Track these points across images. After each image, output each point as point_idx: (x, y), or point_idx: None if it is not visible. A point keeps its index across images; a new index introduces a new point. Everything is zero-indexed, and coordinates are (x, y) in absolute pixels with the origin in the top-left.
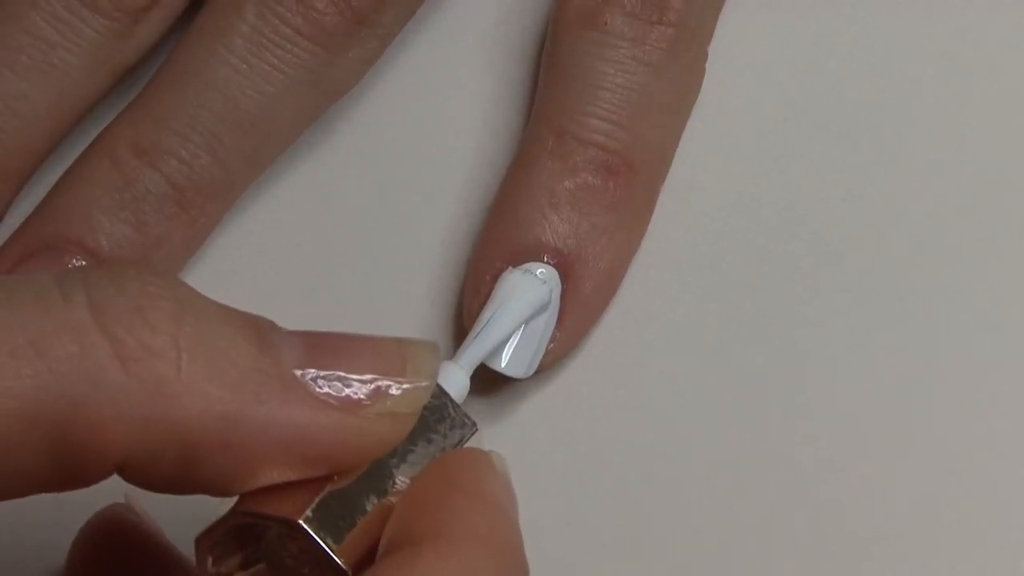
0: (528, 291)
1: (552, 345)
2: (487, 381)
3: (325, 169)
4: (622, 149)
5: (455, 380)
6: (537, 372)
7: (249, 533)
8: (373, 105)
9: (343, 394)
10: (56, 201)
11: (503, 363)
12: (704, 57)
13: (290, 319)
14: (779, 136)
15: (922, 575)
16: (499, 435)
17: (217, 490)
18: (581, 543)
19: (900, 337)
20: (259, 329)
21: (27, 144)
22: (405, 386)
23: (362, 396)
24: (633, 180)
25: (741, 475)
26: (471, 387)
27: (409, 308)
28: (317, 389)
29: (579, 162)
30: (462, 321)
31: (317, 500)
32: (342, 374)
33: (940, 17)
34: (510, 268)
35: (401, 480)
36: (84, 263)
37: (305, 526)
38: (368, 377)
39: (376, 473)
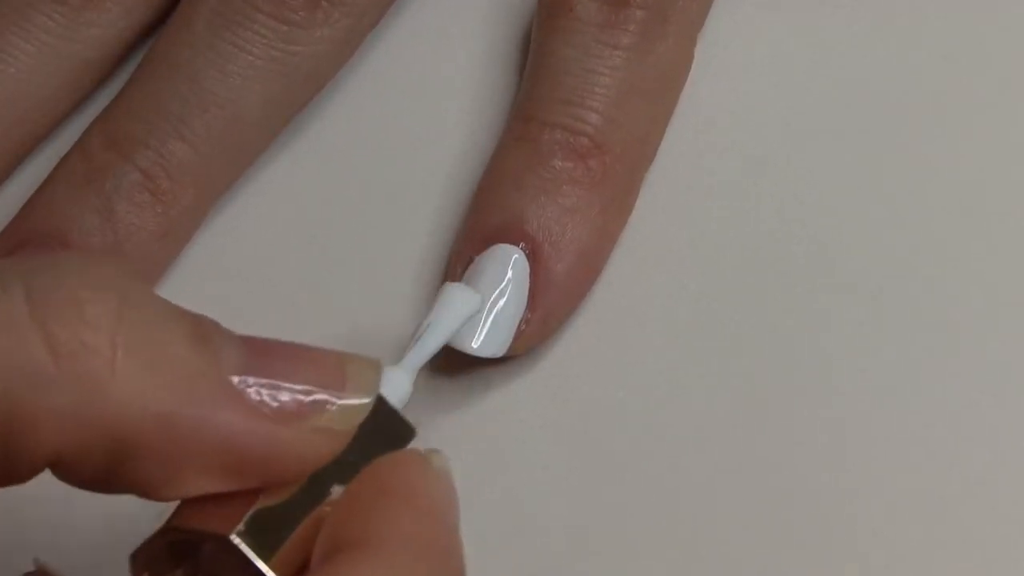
0: (459, 297)
1: (524, 327)
2: (470, 368)
3: (311, 163)
4: (591, 131)
5: (398, 385)
6: (518, 357)
7: (184, 548)
8: (360, 98)
9: (278, 404)
10: (35, 198)
11: (474, 344)
12: (690, 43)
13: (278, 313)
14: (776, 132)
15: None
16: (482, 425)
17: (147, 491)
18: (562, 536)
19: (895, 330)
20: (201, 329)
21: None
22: (343, 402)
23: (298, 408)
24: (605, 161)
25: (731, 470)
26: (450, 373)
27: (396, 302)
28: (253, 397)
29: (545, 145)
30: None
31: (249, 514)
32: (280, 383)
33: (940, 15)
34: (446, 283)
35: (336, 490)
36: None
37: (237, 541)
38: (306, 389)
39: (311, 484)
